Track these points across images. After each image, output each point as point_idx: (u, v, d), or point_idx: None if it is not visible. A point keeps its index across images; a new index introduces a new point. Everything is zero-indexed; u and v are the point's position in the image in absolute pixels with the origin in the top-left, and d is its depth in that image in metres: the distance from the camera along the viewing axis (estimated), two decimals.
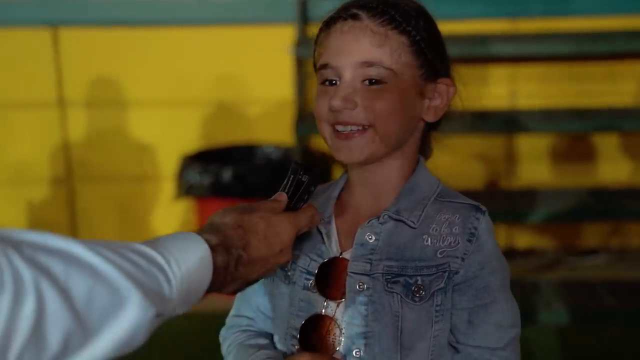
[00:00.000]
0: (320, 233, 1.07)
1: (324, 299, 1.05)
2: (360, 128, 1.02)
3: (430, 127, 1.11)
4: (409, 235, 1.04)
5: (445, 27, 3.08)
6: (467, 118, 3.14)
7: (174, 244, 0.80)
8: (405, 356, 1.01)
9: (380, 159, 1.05)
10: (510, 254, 3.52)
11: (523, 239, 3.56)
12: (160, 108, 3.49)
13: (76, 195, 3.58)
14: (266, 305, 1.14)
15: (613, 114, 3.16)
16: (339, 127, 1.02)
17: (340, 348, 1.03)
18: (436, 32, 1.07)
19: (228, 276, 0.87)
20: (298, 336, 1.06)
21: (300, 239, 1.04)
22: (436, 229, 1.03)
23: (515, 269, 3.29)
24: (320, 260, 1.06)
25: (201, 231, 0.87)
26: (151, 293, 0.73)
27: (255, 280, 0.93)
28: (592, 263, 3.45)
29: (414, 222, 1.04)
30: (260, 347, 1.11)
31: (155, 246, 0.78)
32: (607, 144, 3.43)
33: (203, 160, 3.17)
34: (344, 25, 1.02)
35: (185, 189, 3.13)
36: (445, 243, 1.02)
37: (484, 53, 3.17)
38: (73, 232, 3.60)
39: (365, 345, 1.02)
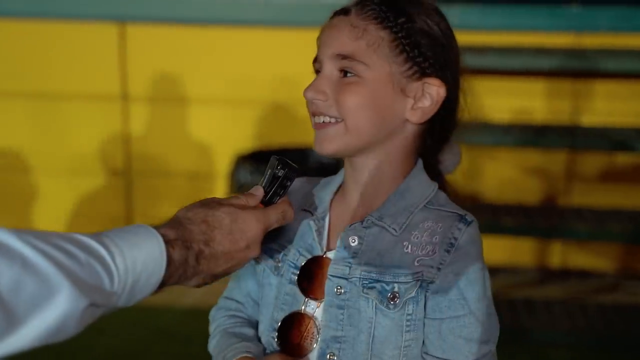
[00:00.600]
0: (312, 229, 1.07)
1: (305, 296, 1.05)
2: (334, 120, 1.02)
3: (439, 136, 1.09)
4: (390, 241, 1.02)
5: (509, 39, 3.01)
6: (525, 131, 3.10)
7: (122, 236, 0.81)
8: None
9: (354, 153, 1.05)
10: (565, 274, 3.45)
11: (579, 260, 3.48)
12: (219, 106, 3.55)
13: (133, 188, 3.67)
14: (257, 292, 1.15)
15: None
16: (315, 118, 1.04)
17: (315, 349, 1.04)
18: (435, 31, 1.03)
19: (189, 270, 0.88)
20: (277, 331, 1.07)
21: (291, 232, 1.06)
22: (417, 237, 1.01)
23: (568, 289, 3.26)
24: (309, 256, 1.07)
25: (160, 225, 0.88)
26: (85, 284, 0.74)
27: (223, 274, 0.94)
28: None
29: (395, 230, 1.02)
30: (244, 338, 1.12)
31: (100, 238, 0.79)
32: None
33: (255, 160, 3.19)
34: (333, 20, 1.04)
35: (236, 188, 3.17)
36: (423, 252, 1.00)
37: (547, 66, 3.12)
38: (129, 223, 3.69)
39: (339, 349, 1.02)
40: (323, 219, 1.08)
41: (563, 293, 3.27)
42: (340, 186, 1.12)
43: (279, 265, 1.09)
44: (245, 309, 1.18)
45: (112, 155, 3.64)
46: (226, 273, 0.94)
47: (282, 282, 1.08)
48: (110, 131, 3.61)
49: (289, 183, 1.00)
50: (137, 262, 0.80)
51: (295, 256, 1.08)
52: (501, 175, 3.44)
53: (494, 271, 3.11)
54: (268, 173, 1.00)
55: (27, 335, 0.70)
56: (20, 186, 3.72)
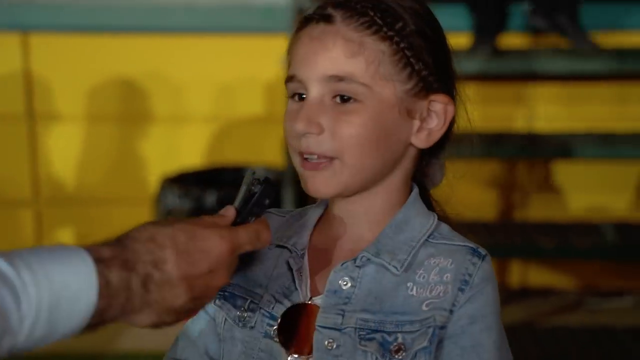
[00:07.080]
0: (291, 269, 0.99)
1: (287, 353, 0.96)
2: (327, 160, 0.95)
3: (432, 153, 1.03)
4: (391, 282, 0.95)
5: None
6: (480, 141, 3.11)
7: (30, 251, 0.73)
8: None
9: (357, 192, 0.98)
10: (525, 293, 3.47)
11: (539, 277, 3.50)
12: (137, 123, 3.45)
13: (43, 218, 3.53)
14: (217, 351, 1.03)
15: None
16: (306, 155, 0.96)
17: None
18: (434, 36, 0.97)
19: (134, 298, 0.78)
20: None
21: (261, 274, 0.99)
22: (424, 276, 0.95)
23: (529, 310, 3.28)
24: (288, 303, 0.98)
25: (93, 244, 0.78)
26: None
27: (186, 310, 0.84)
28: (617, 306, 3.39)
29: (396, 268, 0.95)
30: None
31: (7, 257, 0.70)
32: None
33: (184, 182, 3.12)
34: (314, 30, 0.95)
35: (164, 214, 3.09)
36: (433, 293, 0.94)
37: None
38: None
39: None
40: (302, 257, 1.00)
41: (527, 315, 3.28)
42: (320, 218, 1.03)
43: (246, 315, 1.00)
44: None
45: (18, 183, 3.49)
46: (189, 309, 0.84)
47: (254, 335, 0.98)
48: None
49: (267, 201, 0.93)
50: (54, 278, 0.71)
51: (270, 303, 0.98)
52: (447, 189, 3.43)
53: None
54: (242, 190, 0.92)
55: None
56: None
